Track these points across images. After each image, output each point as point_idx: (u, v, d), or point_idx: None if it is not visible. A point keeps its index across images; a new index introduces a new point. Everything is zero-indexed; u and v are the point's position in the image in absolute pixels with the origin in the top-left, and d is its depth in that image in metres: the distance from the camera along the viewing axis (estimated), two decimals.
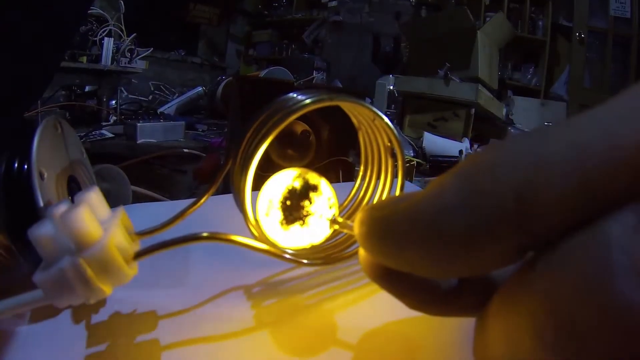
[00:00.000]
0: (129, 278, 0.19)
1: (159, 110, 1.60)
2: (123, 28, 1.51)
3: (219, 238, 0.19)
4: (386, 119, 0.21)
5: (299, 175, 0.22)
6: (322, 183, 0.22)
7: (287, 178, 0.22)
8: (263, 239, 0.21)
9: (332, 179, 0.52)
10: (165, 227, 0.22)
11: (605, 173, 0.09)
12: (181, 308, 0.24)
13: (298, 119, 0.65)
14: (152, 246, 0.19)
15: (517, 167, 0.10)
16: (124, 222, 0.21)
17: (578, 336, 0.09)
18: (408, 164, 0.87)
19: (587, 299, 0.09)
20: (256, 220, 0.20)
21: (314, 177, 0.22)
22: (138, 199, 0.60)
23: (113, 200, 0.54)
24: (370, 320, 0.23)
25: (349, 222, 0.22)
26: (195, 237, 0.19)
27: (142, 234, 0.22)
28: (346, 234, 0.24)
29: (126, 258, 0.19)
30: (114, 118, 1.42)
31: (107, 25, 1.46)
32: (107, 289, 0.19)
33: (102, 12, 1.49)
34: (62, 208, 0.20)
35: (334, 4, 3.13)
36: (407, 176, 0.86)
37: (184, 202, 0.43)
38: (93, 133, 1.16)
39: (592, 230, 0.09)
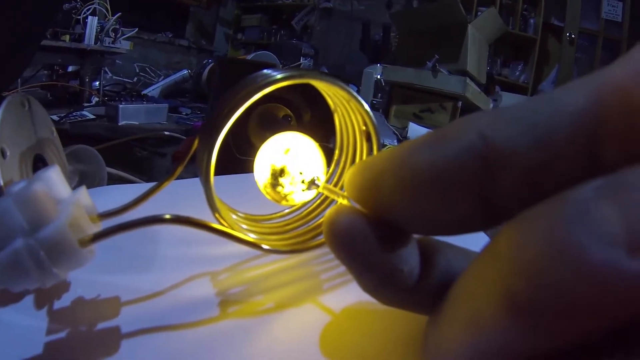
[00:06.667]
0: (86, 262, 0.18)
1: (143, 93, 1.58)
2: (108, 7, 1.48)
3: (182, 221, 0.18)
4: (362, 101, 0.20)
5: (290, 140, 0.21)
6: (311, 146, 0.22)
7: (278, 144, 0.21)
8: (229, 222, 0.20)
9: None
10: (129, 207, 0.21)
11: (549, 124, 0.11)
12: (145, 294, 0.24)
13: (279, 102, 0.64)
14: (112, 228, 0.18)
15: (481, 116, 0.12)
16: (84, 203, 0.20)
17: (550, 295, 0.09)
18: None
19: (558, 259, 0.09)
20: (220, 203, 0.19)
21: (305, 140, 0.22)
22: (114, 181, 0.59)
23: (89, 182, 0.53)
24: (340, 313, 0.23)
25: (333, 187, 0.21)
26: (157, 219, 0.18)
27: (105, 215, 0.21)
28: (319, 220, 0.24)
29: (83, 240, 0.18)
30: (96, 99, 1.40)
31: (92, 4, 1.43)
32: (62, 273, 0.18)
33: None
34: (19, 186, 0.19)
35: None
36: None
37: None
38: (74, 114, 1.13)
39: (561, 195, 0.09)
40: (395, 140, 1.25)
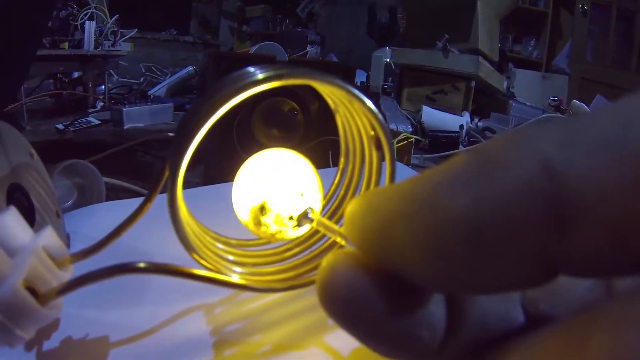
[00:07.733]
0: (51, 318, 0.16)
1: (148, 93, 1.56)
2: (106, 10, 1.45)
3: (158, 269, 0.15)
4: (367, 102, 0.16)
5: (270, 164, 0.17)
6: (300, 167, 0.18)
7: (254, 172, 0.17)
8: (212, 260, 0.17)
9: (322, 163, 0.48)
10: (102, 246, 0.18)
11: None
12: (135, 333, 0.21)
13: (283, 95, 0.60)
14: (76, 280, 0.15)
15: (544, 134, 0.08)
16: (50, 245, 0.17)
17: None
18: (405, 142, 0.83)
19: None
20: (200, 232, 0.16)
21: (293, 164, 0.17)
22: (115, 191, 0.57)
23: (89, 195, 0.51)
24: (348, 358, 0.20)
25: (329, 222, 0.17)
26: (128, 268, 0.15)
27: (78, 255, 0.18)
28: (325, 243, 0.20)
29: (46, 295, 0.15)
30: (102, 104, 1.38)
31: (89, 8, 1.40)
32: (27, 333, 0.15)
33: None
34: None
35: None
36: (406, 155, 0.82)
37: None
38: (79, 121, 1.12)
39: None
40: (410, 126, 1.21)
